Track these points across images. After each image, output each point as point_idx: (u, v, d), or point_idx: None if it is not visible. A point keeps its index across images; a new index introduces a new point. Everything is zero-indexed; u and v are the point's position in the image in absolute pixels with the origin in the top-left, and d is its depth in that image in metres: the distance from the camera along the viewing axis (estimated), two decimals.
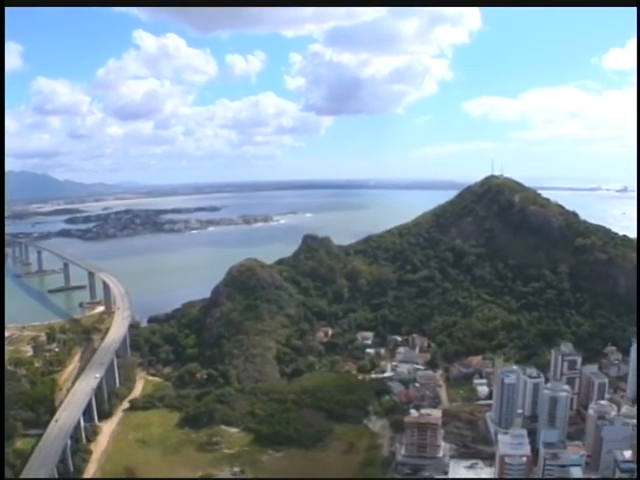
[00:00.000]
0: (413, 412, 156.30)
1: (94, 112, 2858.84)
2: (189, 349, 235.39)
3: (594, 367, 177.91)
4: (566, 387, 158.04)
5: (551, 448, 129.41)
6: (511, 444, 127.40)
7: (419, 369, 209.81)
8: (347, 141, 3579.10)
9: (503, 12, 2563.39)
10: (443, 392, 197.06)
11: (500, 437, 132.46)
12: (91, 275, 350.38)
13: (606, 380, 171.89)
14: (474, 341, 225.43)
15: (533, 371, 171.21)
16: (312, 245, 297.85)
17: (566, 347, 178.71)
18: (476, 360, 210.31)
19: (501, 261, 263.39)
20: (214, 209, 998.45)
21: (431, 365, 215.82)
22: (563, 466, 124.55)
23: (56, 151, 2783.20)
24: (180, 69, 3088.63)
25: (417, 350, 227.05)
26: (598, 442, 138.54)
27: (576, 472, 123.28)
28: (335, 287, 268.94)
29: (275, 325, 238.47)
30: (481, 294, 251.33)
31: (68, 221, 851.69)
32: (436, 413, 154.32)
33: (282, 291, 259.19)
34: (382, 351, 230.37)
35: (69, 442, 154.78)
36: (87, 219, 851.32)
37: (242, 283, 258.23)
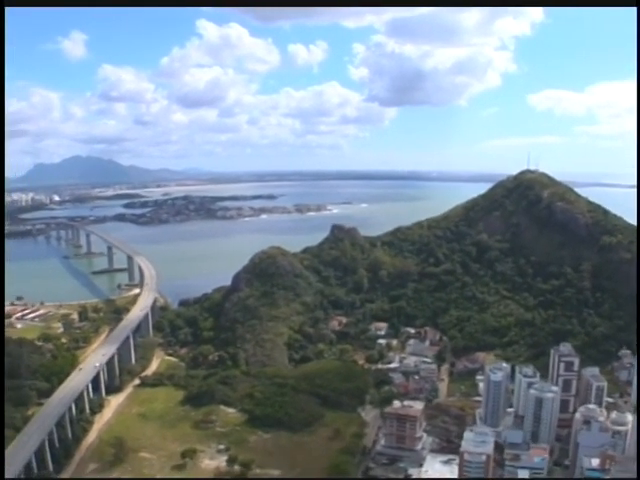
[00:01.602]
0: (396, 403, 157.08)
1: (158, 99, 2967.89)
2: (206, 332, 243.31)
3: (595, 370, 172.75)
4: (554, 388, 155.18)
5: (514, 449, 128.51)
6: (474, 442, 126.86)
7: (425, 362, 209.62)
8: (411, 132, 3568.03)
9: (566, 3, 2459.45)
10: (444, 386, 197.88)
11: (465, 434, 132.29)
12: (130, 259, 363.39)
13: (605, 384, 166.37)
14: (485, 337, 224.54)
15: (529, 370, 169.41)
16: (338, 235, 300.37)
17: (565, 347, 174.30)
18: (482, 356, 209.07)
19: (524, 257, 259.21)
20: (271, 197, 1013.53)
21: (439, 359, 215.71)
22: (523, 468, 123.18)
23: (122, 137, 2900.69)
24: (243, 58, 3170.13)
25: (427, 343, 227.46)
26: (575, 447, 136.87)
27: (523, 474, 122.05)
28: (356, 277, 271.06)
29: (290, 312, 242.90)
30: (500, 290, 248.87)
31: (126, 206, 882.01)
32: (417, 406, 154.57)
33: (301, 279, 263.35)
34: (394, 342, 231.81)
35: (70, 411, 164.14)
36: (144, 204, 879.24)
37: (262, 270, 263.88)
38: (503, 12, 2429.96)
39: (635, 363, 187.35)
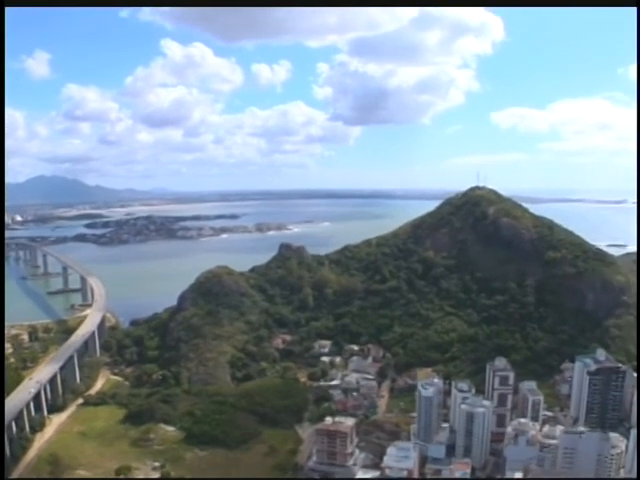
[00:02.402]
0: (328, 420, 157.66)
1: (123, 119, 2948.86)
2: (151, 351, 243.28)
3: (532, 384, 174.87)
4: (486, 403, 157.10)
5: (436, 464, 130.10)
6: (396, 456, 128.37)
7: (368, 379, 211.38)
8: (376, 151, 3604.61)
9: (526, 23, 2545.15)
10: (384, 402, 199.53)
11: (388, 449, 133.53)
12: (83, 279, 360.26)
13: (541, 397, 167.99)
14: (428, 353, 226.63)
15: (464, 385, 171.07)
16: (285, 254, 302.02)
17: (500, 362, 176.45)
18: (423, 372, 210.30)
19: (469, 273, 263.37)
20: (233, 217, 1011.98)
21: (381, 375, 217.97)
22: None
23: (87, 156, 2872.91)
24: (207, 78, 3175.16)
25: (370, 360, 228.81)
26: (502, 461, 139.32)
27: None
28: (301, 295, 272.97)
29: (234, 331, 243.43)
30: (444, 306, 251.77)
31: (88, 226, 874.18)
32: (349, 422, 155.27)
33: (246, 298, 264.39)
34: (337, 360, 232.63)
35: (9, 429, 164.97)
36: (106, 224, 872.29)
37: (207, 289, 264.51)
38: (464, 31, 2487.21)
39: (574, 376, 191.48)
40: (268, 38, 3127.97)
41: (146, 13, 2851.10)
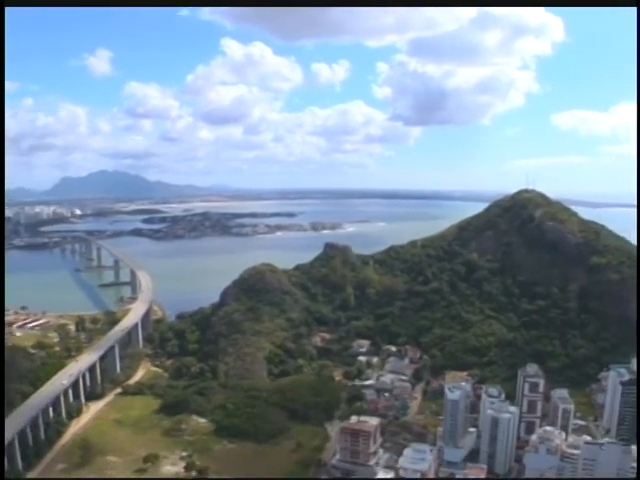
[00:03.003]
0: (353, 419, 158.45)
1: (184, 116, 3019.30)
2: (191, 344, 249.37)
3: (564, 392, 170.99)
4: (513, 409, 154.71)
5: (451, 467, 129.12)
6: (412, 458, 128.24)
7: (402, 380, 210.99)
8: (435, 152, 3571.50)
9: (587, 23, 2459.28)
10: (416, 404, 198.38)
11: (405, 451, 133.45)
12: (133, 273, 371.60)
13: (571, 406, 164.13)
14: (465, 356, 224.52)
15: (494, 390, 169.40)
16: (330, 253, 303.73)
17: (531, 368, 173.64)
18: (459, 375, 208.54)
19: (511, 277, 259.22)
20: (290, 215, 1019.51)
21: (416, 377, 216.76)
22: None
23: (149, 152, 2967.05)
24: (266, 76, 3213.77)
25: (407, 361, 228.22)
26: (522, 468, 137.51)
27: None
28: (343, 295, 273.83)
29: (273, 327, 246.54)
30: (485, 309, 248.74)
31: (145, 221, 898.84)
32: (373, 422, 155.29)
33: (288, 295, 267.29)
34: (374, 360, 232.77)
35: (46, 414, 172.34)
36: (163, 219, 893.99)
37: (250, 286, 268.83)
38: (524, 32, 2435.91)
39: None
40: (327, 37, 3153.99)
41: (206, 12, 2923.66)
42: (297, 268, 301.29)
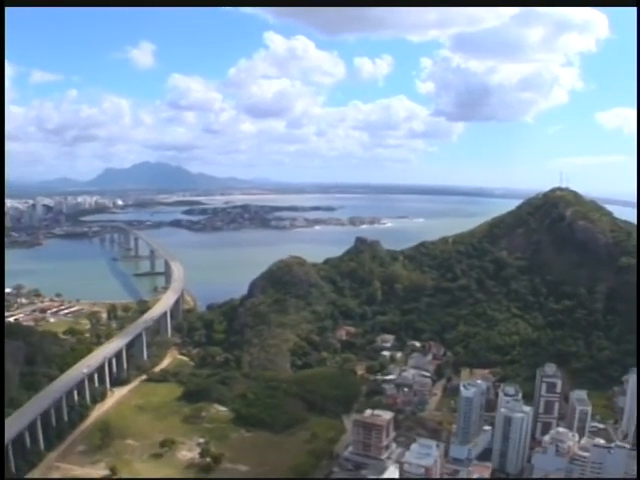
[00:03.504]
0: (367, 412, 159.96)
1: (226, 109, 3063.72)
2: (218, 334, 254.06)
3: (582, 393, 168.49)
4: (527, 409, 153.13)
5: (455, 464, 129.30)
6: (417, 453, 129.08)
7: (423, 376, 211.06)
8: (478, 148, 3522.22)
9: (632, 20, 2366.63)
10: (435, 400, 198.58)
11: (412, 446, 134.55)
12: (167, 263, 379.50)
13: (589, 408, 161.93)
14: (488, 354, 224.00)
15: (511, 389, 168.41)
16: (360, 248, 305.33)
17: (549, 368, 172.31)
18: (480, 373, 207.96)
19: (540, 276, 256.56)
20: (330, 209, 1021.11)
21: (438, 374, 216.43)
22: None
23: (192, 145, 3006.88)
24: (309, 70, 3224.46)
25: (430, 357, 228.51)
26: (531, 469, 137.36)
27: None
28: (370, 289, 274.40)
29: (299, 319, 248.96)
30: (511, 307, 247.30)
31: (185, 212, 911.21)
32: (386, 416, 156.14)
33: (314, 288, 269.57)
34: (398, 355, 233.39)
35: (71, 397, 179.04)
36: (203, 211, 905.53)
37: (277, 278, 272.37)
38: (567, 28, 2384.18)
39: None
40: (369, 32, 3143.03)
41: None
42: (326, 262, 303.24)
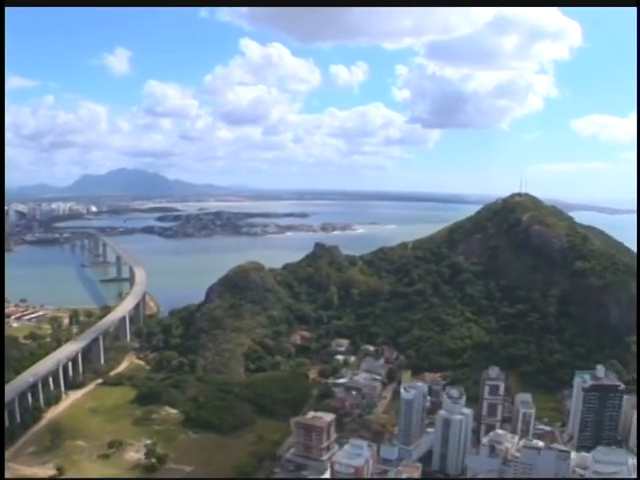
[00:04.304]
0: (310, 414, 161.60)
1: (202, 116, 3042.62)
2: (175, 339, 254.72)
3: (527, 396, 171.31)
4: (466, 411, 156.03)
5: (385, 464, 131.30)
6: (348, 454, 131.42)
7: (374, 379, 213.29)
8: (455, 155, 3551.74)
9: (604, 27, 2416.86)
10: (384, 403, 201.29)
11: (345, 446, 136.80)
12: (131, 269, 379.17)
13: (532, 411, 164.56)
14: (439, 358, 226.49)
15: (454, 391, 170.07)
16: (318, 253, 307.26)
17: (492, 371, 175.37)
18: (430, 377, 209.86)
19: (494, 280, 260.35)
20: (303, 215, 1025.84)
21: (390, 377, 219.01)
22: None
23: (169, 151, 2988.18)
24: (285, 77, 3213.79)
25: (382, 361, 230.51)
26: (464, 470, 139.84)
27: None
28: (327, 294, 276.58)
29: (254, 324, 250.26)
30: (465, 312, 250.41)
31: (159, 219, 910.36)
32: (327, 418, 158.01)
33: (270, 293, 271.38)
34: (352, 359, 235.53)
35: (24, 400, 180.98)
36: (177, 218, 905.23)
37: (234, 284, 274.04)
38: (541, 36, 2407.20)
39: None
40: (344, 39, 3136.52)
41: (224, 13, 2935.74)
42: (285, 267, 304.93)
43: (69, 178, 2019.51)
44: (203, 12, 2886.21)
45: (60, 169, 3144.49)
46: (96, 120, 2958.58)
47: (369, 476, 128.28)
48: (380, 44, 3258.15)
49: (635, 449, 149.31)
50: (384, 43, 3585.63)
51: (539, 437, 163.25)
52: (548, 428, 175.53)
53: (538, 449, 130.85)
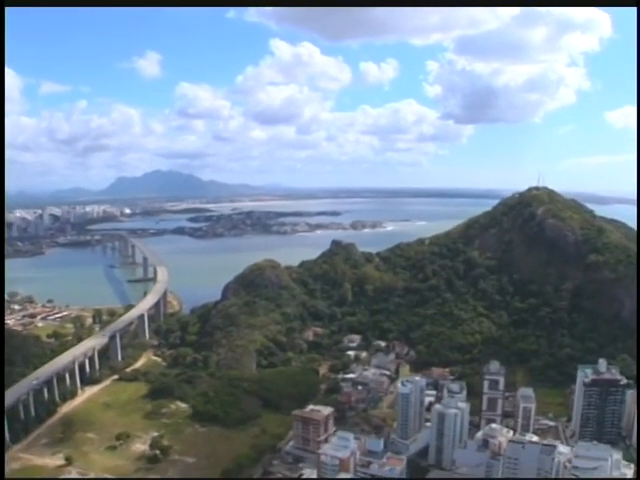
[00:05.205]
0: (309, 407, 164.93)
1: (235, 116, 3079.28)
2: (191, 336, 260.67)
3: (528, 390, 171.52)
4: (462, 405, 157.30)
5: (369, 456, 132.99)
6: (336, 445, 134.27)
7: (383, 374, 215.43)
8: (489, 150, 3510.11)
9: (634, 18, 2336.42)
10: (390, 398, 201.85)
11: (332, 438, 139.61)
12: (155, 269, 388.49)
13: (533, 405, 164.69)
14: (449, 353, 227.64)
15: (455, 386, 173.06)
16: (334, 250, 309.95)
17: (493, 365, 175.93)
18: (437, 372, 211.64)
19: (508, 275, 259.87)
20: (335, 214, 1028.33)
21: (399, 372, 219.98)
22: (373, 476, 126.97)
23: (202, 152, 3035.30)
24: (315, 76, 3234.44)
25: (393, 356, 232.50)
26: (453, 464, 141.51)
27: None
28: (341, 291, 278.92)
29: (268, 321, 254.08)
30: (477, 307, 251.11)
31: (191, 220, 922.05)
32: (325, 411, 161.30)
33: (285, 291, 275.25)
34: (363, 354, 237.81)
35: (40, 394, 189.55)
36: (208, 218, 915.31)
37: (249, 281, 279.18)
38: (570, 28, 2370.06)
39: None
40: (372, 37, 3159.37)
41: (252, 14, 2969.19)
42: (301, 265, 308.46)
43: (104, 181, 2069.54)
44: (231, 13, 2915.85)
45: (95, 172, 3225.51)
46: (129, 123, 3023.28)
47: (354, 467, 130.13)
48: (408, 41, 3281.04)
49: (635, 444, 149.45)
50: (412, 39, 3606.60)
51: (542, 432, 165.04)
52: (552, 423, 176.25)
53: (522, 443, 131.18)
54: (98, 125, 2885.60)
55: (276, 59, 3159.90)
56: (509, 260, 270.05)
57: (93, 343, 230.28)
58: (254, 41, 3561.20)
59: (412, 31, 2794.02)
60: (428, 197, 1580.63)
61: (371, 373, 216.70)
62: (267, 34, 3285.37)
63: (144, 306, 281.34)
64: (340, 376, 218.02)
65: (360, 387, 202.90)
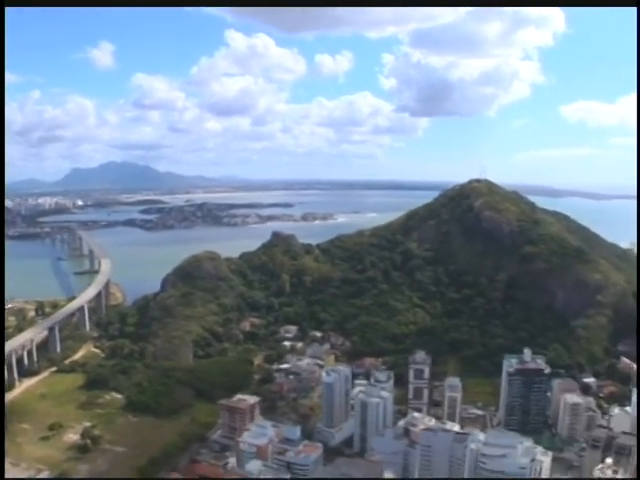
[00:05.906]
0: (236, 397, 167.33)
1: (190, 108, 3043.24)
2: (129, 327, 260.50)
3: (455, 380, 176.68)
4: (385, 394, 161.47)
5: (286, 444, 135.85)
6: (255, 433, 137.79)
7: (317, 365, 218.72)
8: (444, 142, 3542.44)
9: (588, 14, 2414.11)
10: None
11: (252, 427, 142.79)
12: (98, 261, 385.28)
13: (458, 395, 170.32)
14: (383, 343, 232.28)
15: (382, 375, 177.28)
16: (274, 241, 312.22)
17: (419, 355, 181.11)
18: (369, 361, 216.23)
19: (444, 266, 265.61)
20: (287, 205, 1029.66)
21: (335, 362, 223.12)
22: (288, 463, 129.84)
23: (159, 144, 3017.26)
24: (270, 68, 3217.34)
25: (327, 347, 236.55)
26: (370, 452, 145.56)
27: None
28: (280, 282, 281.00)
29: (205, 312, 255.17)
30: (413, 298, 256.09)
31: (142, 212, 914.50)
32: (251, 400, 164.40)
33: (223, 282, 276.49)
34: (299, 345, 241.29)
35: None
36: (160, 210, 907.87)
37: (187, 273, 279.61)
38: (524, 22, 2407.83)
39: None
40: (327, 29, 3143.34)
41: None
42: (241, 256, 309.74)
43: (59, 172, 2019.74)
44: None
45: (50, 164, 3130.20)
46: (84, 114, 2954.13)
47: (271, 454, 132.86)
48: (363, 33, 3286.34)
49: (562, 433, 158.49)
50: (367, 32, 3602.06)
51: (470, 421, 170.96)
52: (480, 412, 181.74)
53: (434, 431, 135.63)
54: (52, 116, 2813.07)
55: (231, 50, 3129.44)
56: (446, 251, 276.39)
57: (31, 335, 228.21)
58: (209, 32, 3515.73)
59: (368, 24, 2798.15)
60: (383, 189, 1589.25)
61: (305, 363, 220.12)
62: (222, 25, 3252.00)
63: (84, 298, 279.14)
64: (275, 366, 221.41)
65: (292, 377, 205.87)
